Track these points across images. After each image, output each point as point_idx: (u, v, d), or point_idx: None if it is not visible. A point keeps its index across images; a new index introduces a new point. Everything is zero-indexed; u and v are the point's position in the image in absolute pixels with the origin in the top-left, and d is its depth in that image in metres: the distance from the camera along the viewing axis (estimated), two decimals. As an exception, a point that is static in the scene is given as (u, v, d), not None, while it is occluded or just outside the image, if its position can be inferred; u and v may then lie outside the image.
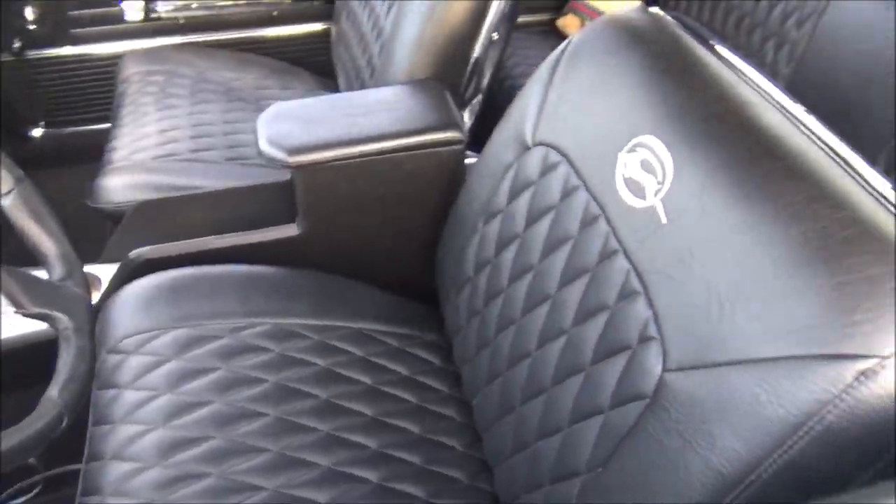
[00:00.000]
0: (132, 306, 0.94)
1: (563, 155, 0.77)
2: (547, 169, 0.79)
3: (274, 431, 0.82)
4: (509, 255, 0.83)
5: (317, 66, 1.63)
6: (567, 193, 0.76)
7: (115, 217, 1.17)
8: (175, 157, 1.24)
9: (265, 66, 1.57)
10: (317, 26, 1.66)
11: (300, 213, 1.03)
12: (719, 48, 0.75)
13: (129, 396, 0.84)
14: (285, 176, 1.05)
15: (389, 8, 1.19)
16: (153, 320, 0.92)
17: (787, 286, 0.53)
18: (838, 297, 0.50)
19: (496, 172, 0.87)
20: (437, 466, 0.85)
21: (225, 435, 0.81)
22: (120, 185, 1.19)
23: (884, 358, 0.46)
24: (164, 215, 1.07)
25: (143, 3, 1.56)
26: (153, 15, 1.57)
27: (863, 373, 0.46)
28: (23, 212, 0.66)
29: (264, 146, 0.96)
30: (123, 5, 1.54)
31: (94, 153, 1.32)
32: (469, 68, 1.15)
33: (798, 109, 0.65)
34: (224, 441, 0.81)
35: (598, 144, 0.73)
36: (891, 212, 0.54)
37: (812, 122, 0.64)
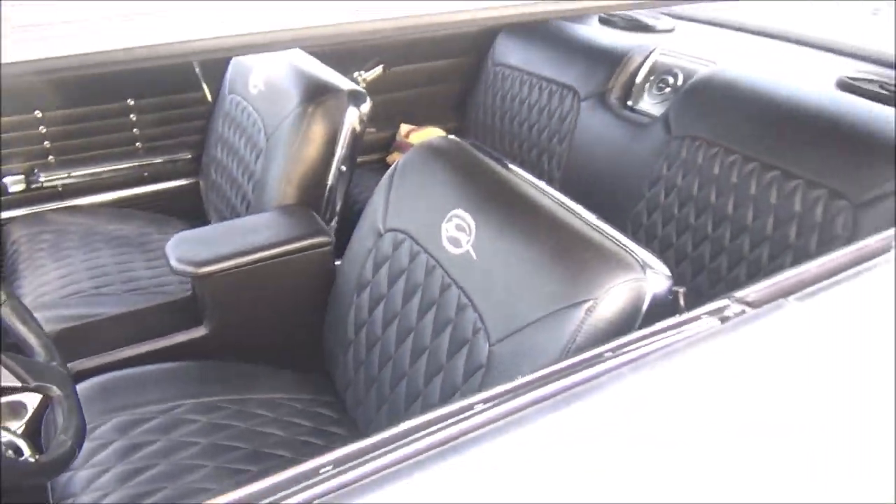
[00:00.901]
0: (71, 408, 1.11)
1: (406, 234, 1.12)
2: (397, 245, 1.13)
3: (216, 476, 1.03)
4: (379, 312, 1.14)
5: (187, 214, 1.90)
6: (413, 258, 1.10)
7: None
8: (79, 294, 1.44)
9: (143, 217, 1.82)
10: (185, 181, 1.94)
11: (206, 315, 1.27)
12: (505, 161, 1.15)
13: (84, 474, 1.02)
14: (184, 293, 1.31)
15: (257, 156, 1.53)
16: (92, 414, 1.10)
17: (546, 276, 0.89)
18: (572, 276, 0.87)
19: (361, 256, 1.19)
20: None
21: (175, 485, 1.01)
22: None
23: (596, 298, 0.83)
24: (86, 336, 1.26)
25: (23, 177, 1.77)
26: (34, 186, 1.78)
27: (588, 309, 0.82)
28: (13, 316, 0.87)
29: (175, 264, 1.22)
30: (6, 180, 1.74)
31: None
32: (326, 194, 1.50)
33: (560, 195, 1.03)
34: (175, 490, 1.00)
35: (427, 222, 1.09)
36: (604, 236, 0.91)
37: (566, 199, 1.02)
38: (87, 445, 1.05)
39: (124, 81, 1.80)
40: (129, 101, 1.83)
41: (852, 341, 0.73)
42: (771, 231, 1.34)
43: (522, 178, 1.07)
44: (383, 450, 0.54)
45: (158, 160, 1.88)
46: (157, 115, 1.87)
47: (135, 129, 1.86)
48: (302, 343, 1.33)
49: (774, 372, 0.67)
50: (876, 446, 0.67)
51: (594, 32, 2.00)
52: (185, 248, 1.26)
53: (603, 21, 2.08)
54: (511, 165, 1.12)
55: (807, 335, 0.72)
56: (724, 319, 0.70)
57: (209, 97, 1.84)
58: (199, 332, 1.28)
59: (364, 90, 1.49)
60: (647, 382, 0.64)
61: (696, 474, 0.59)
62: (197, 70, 1.82)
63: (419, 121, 2.18)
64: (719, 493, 0.58)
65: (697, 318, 0.70)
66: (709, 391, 0.65)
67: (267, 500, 0.50)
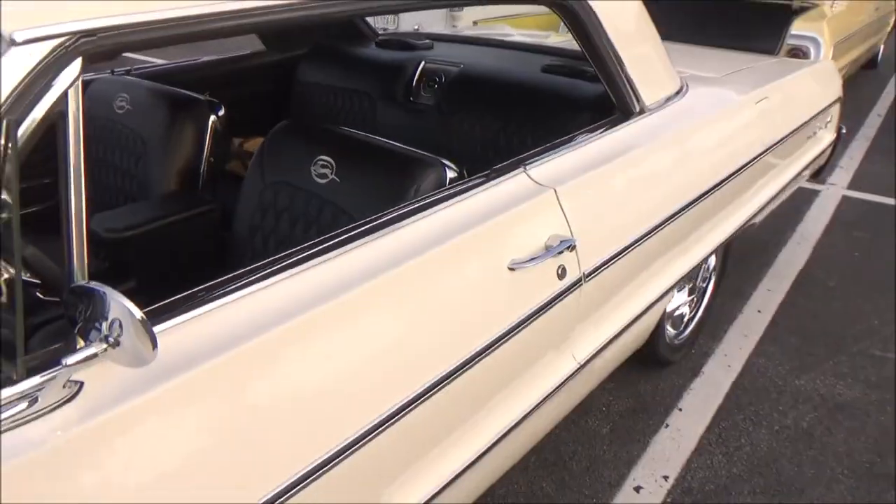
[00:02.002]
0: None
1: (284, 182, 1.63)
2: (278, 192, 1.63)
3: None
4: (272, 242, 1.63)
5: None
6: (292, 197, 1.60)
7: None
8: None
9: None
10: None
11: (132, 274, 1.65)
12: (336, 125, 1.69)
13: None
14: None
15: (137, 160, 1.92)
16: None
17: (386, 177, 1.46)
18: (401, 174, 1.45)
19: (250, 210, 1.67)
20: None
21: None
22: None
23: (418, 185, 1.42)
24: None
25: None
26: None
27: (415, 190, 1.42)
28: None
29: (104, 233, 1.59)
30: None
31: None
32: (202, 179, 1.93)
33: (379, 137, 1.62)
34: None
35: (299, 168, 1.60)
36: (413, 151, 1.51)
37: (383, 139, 1.61)
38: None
39: None
40: None
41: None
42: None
43: (353, 131, 1.64)
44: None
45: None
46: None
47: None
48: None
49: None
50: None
51: (377, 53, 2.64)
52: (107, 222, 1.63)
53: (380, 44, 2.73)
54: (341, 127, 1.68)
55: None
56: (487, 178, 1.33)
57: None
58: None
59: (216, 100, 1.96)
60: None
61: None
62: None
63: (246, 135, 2.64)
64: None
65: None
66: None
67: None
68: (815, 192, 3.97)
